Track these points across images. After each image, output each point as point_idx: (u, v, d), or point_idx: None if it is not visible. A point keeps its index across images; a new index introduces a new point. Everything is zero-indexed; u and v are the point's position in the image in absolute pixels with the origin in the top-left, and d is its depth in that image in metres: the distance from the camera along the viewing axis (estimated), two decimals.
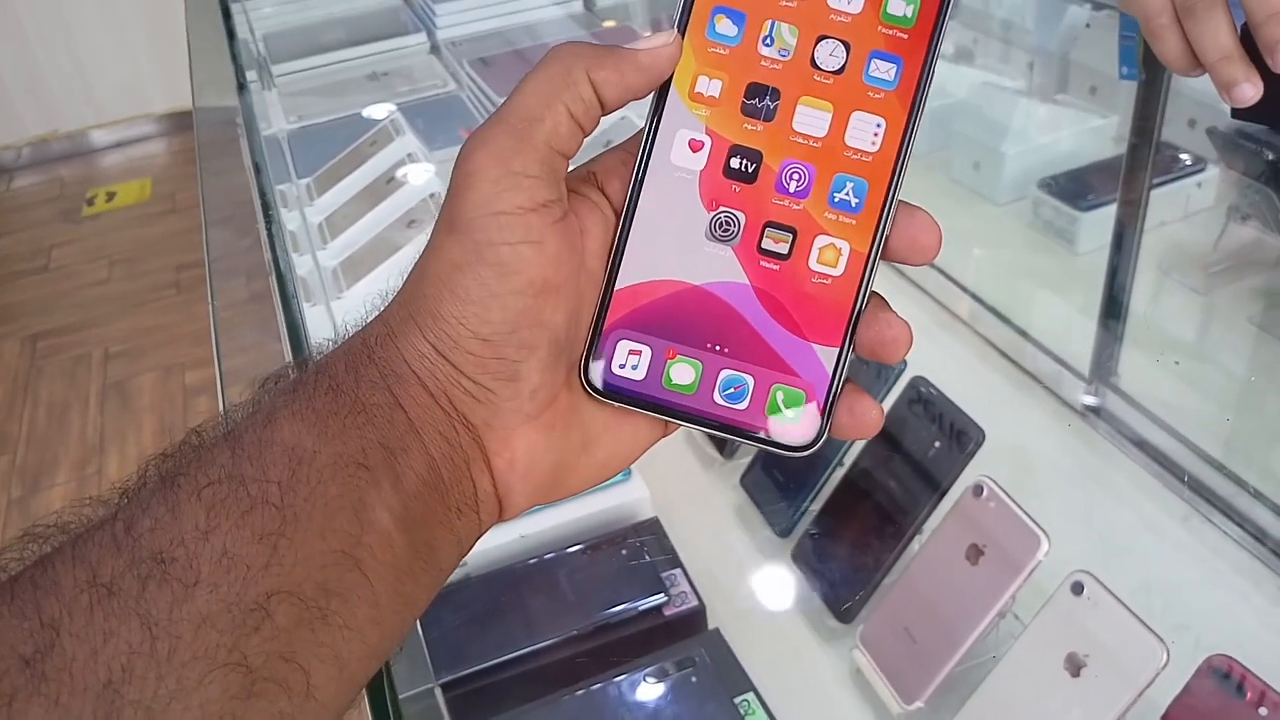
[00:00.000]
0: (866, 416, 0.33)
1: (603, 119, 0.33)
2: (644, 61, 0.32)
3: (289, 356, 0.90)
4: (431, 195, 1.14)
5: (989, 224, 1.18)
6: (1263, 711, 0.50)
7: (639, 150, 0.33)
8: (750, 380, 0.33)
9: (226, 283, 1.11)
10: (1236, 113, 0.57)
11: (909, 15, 0.32)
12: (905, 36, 0.32)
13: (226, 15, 1.69)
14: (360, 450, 0.29)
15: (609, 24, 1.81)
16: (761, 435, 0.33)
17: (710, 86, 0.33)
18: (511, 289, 0.30)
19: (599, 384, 0.33)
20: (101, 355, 2.72)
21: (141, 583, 0.25)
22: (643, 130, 0.33)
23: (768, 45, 0.32)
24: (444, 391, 0.31)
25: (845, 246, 0.32)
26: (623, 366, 0.33)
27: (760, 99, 0.33)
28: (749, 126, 0.33)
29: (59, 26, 3.52)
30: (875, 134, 0.32)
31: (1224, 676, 0.52)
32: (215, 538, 0.26)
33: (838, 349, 0.32)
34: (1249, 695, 0.51)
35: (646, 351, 0.33)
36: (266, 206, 1.13)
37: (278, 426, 0.29)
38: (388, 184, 1.23)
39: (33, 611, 0.25)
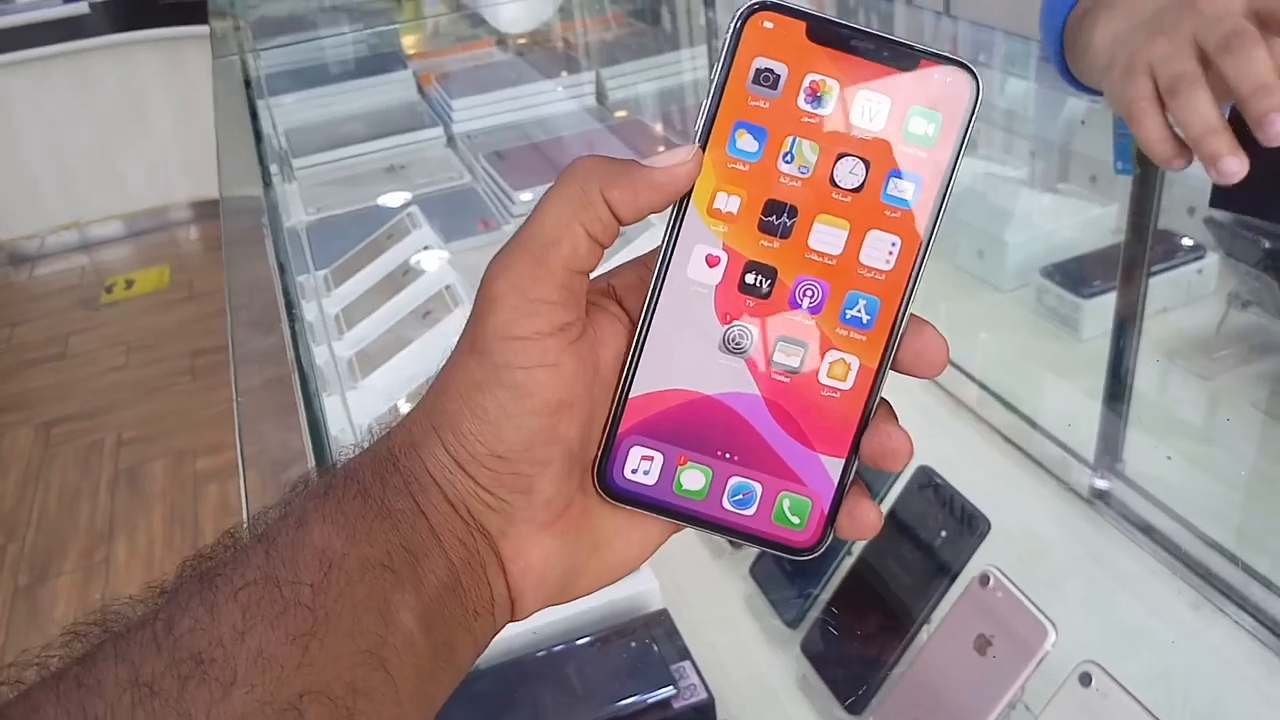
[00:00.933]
0: (866, 520, 0.34)
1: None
2: (659, 180, 0.32)
3: (309, 448, 0.91)
4: (447, 287, 1.17)
5: (993, 311, 1.19)
6: None
7: (656, 262, 0.34)
8: (758, 488, 0.34)
9: (245, 371, 1.13)
10: (1215, 200, 0.57)
11: (930, 135, 0.32)
12: (925, 155, 0.32)
13: (254, 115, 1.74)
14: (386, 553, 0.31)
15: (621, 115, 1.86)
16: (767, 540, 0.34)
17: (729, 203, 0.33)
18: (526, 410, 0.32)
19: (612, 489, 0.34)
20: (114, 441, 2.74)
21: (181, 683, 0.26)
22: (661, 243, 0.34)
23: (788, 162, 0.33)
24: (463, 501, 0.32)
25: (855, 362, 0.33)
26: (635, 472, 0.34)
27: (778, 216, 0.33)
28: (765, 243, 0.33)
29: (88, 118, 3.63)
30: (890, 253, 0.33)
31: None
32: (251, 638, 0.28)
33: (843, 460, 0.34)
34: None
35: (658, 458, 0.34)
36: (290, 305, 1.16)
37: (309, 529, 0.30)
38: (404, 275, 1.25)
39: (78, 710, 0.26)
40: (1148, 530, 0.83)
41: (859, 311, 0.33)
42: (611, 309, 0.35)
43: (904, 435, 0.34)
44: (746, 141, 0.33)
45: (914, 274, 0.33)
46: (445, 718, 0.68)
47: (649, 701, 0.68)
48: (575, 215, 0.32)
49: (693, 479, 0.34)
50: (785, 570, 0.80)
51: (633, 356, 0.34)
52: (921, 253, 0.33)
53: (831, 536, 0.34)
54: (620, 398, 0.34)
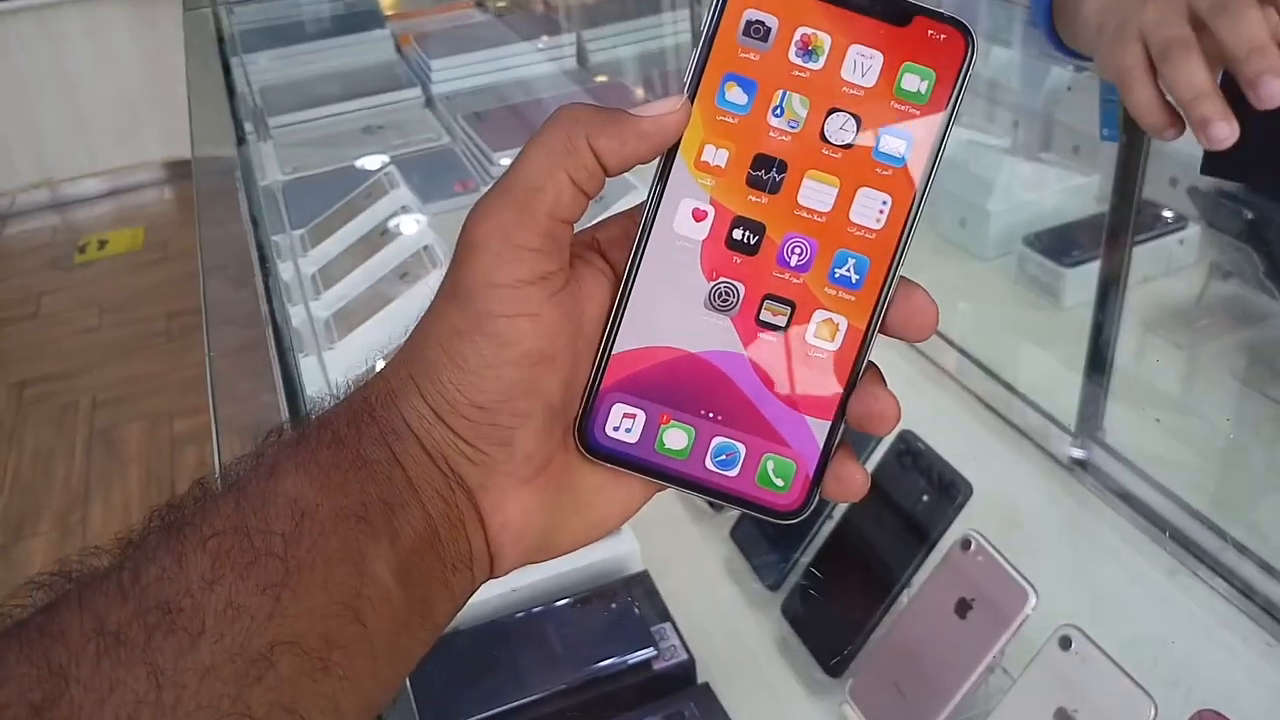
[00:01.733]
0: (852, 482, 0.33)
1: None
2: (647, 129, 0.32)
3: (283, 407, 0.90)
4: (425, 248, 1.15)
5: (975, 279, 1.19)
6: None
7: (641, 216, 0.33)
8: (742, 448, 0.33)
9: (221, 333, 1.12)
10: (1206, 166, 0.57)
11: (923, 92, 0.31)
12: (917, 113, 0.32)
13: (226, 71, 1.71)
14: (361, 504, 0.30)
15: (601, 79, 1.84)
16: (750, 503, 0.33)
17: (717, 156, 0.32)
18: (507, 360, 0.31)
19: (593, 446, 0.33)
20: (89, 403, 2.71)
21: (148, 632, 0.26)
22: (646, 196, 0.33)
23: (777, 116, 0.32)
24: (441, 453, 0.32)
25: (843, 322, 0.32)
26: (616, 429, 0.33)
27: (766, 171, 0.32)
28: (753, 198, 0.32)
29: (57, 75, 3.56)
30: (881, 211, 0.32)
31: None
32: (220, 588, 0.27)
33: (829, 422, 0.33)
34: None
35: (640, 416, 0.33)
36: (264, 259, 1.14)
37: (281, 478, 0.29)
38: (381, 236, 1.24)
39: (41, 659, 0.25)
40: (1127, 498, 0.83)
41: (848, 271, 0.32)
42: (596, 263, 0.34)
43: (892, 398, 0.33)
44: (736, 94, 0.32)
45: (905, 234, 0.32)
46: (425, 678, 0.68)
47: (629, 662, 0.67)
48: (560, 162, 0.31)
49: (675, 438, 0.33)
50: (766, 534, 0.80)
51: (616, 312, 0.33)
52: (913, 212, 0.32)
53: (816, 500, 0.33)
54: (603, 354, 0.33)
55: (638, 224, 0.33)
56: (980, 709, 0.63)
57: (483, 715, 0.65)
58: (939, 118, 0.32)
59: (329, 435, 0.31)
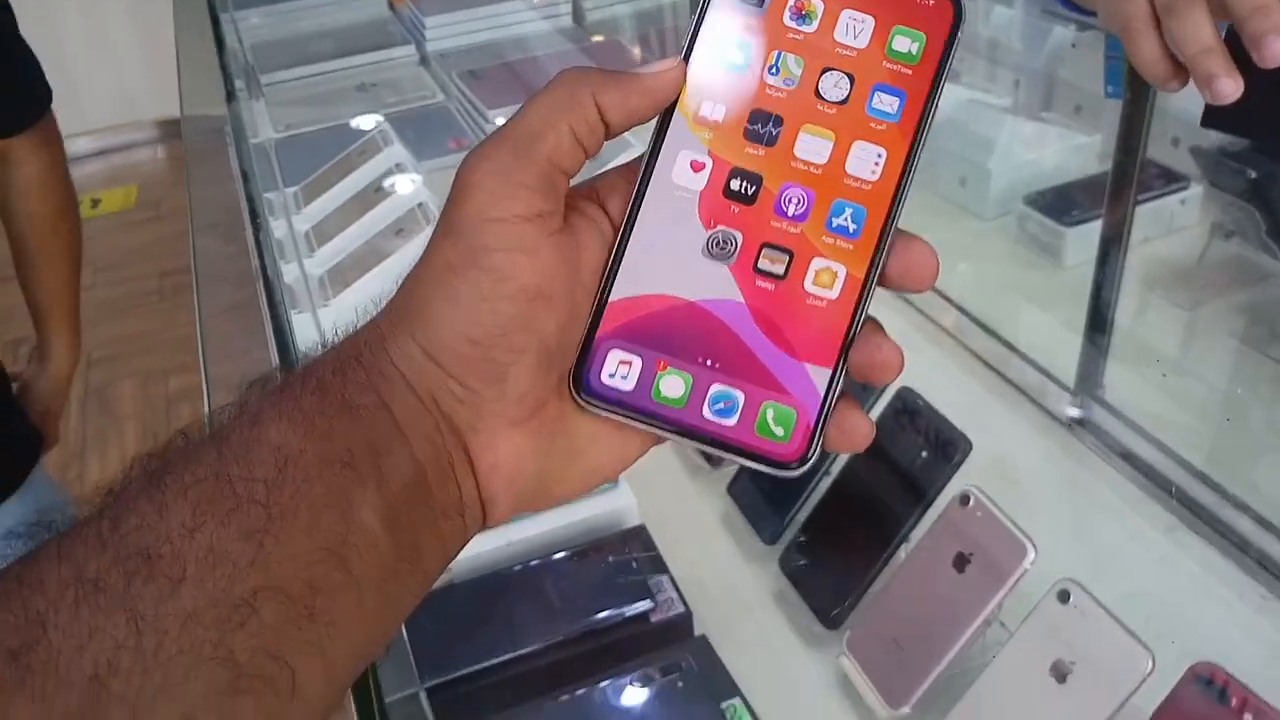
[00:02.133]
0: (857, 432, 0.33)
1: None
2: (649, 85, 0.32)
3: (276, 363, 0.89)
4: (420, 205, 1.14)
5: (975, 239, 1.18)
6: (1247, 718, 0.50)
7: (640, 168, 0.33)
8: (740, 396, 0.32)
9: (213, 290, 1.11)
10: (1207, 119, 0.56)
11: (914, 52, 0.32)
12: (909, 72, 0.32)
13: (215, 24, 1.69)
14: (346, 450, 0.29)
15: (597, 39, 1.82)
16: (749, 452, 0.33)
17: (714, 110, 0.33)
18: (503, 294, 0.31)
19: (588, 392, 0.33)
20: (84, 361, 2.69)
21: (128, 579, 0.25)
22: (646, 149, 0.33)
23: (773, 74, 0.33)
24: (430, 394, 0.31)
25: (842, 270, 0.32)
26: (612, 375, 0.33)
27: (763, 125, 0.33)
28: (751, 150, 0.33)
29: (46, 34, 3.51)
30: (876, 164, 0.33)
31: (1209, 684, 0.52)
32: (201, 535, 0.26)
33: (830, 370, 0.32)
34: (1233, 702, 0.51)
35: (637, 362, 0.33)
36: (254, 214, 1.13)
37: (264, 426, 0.29)
38: (375, 193, 1.22)
39: (19, 606, 0.25)
40: (1126, 456, 0.83)
41: (845, 220, 0.33)
42: (594, 215, 0.34)
43: (894, 347, 0.33)
44: (733, 55, 0.33)
45: (901, 186, 0.33)
46: (422, 630, 0.68)
47: (626, 615, 0.67)
48: (562, 114, 0.31)
49: (672, 385, 0.33)
50: (763, 489, 0.80)
51: (614, 260, 0.33)
52: (908, 165, 0.33)
53: (818, 451, 0.32)
54: (600, 300, 0.33)
55: (636, 175, 0.33)
56: (977, 662, 0.63)
57: (480, 667, 0.65)
58: (929, 77, 0.33)
59: (313, 382, 0.30)
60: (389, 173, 1.25)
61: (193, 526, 0.26)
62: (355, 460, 0.29)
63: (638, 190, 0.33)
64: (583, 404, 0.33)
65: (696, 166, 0.33)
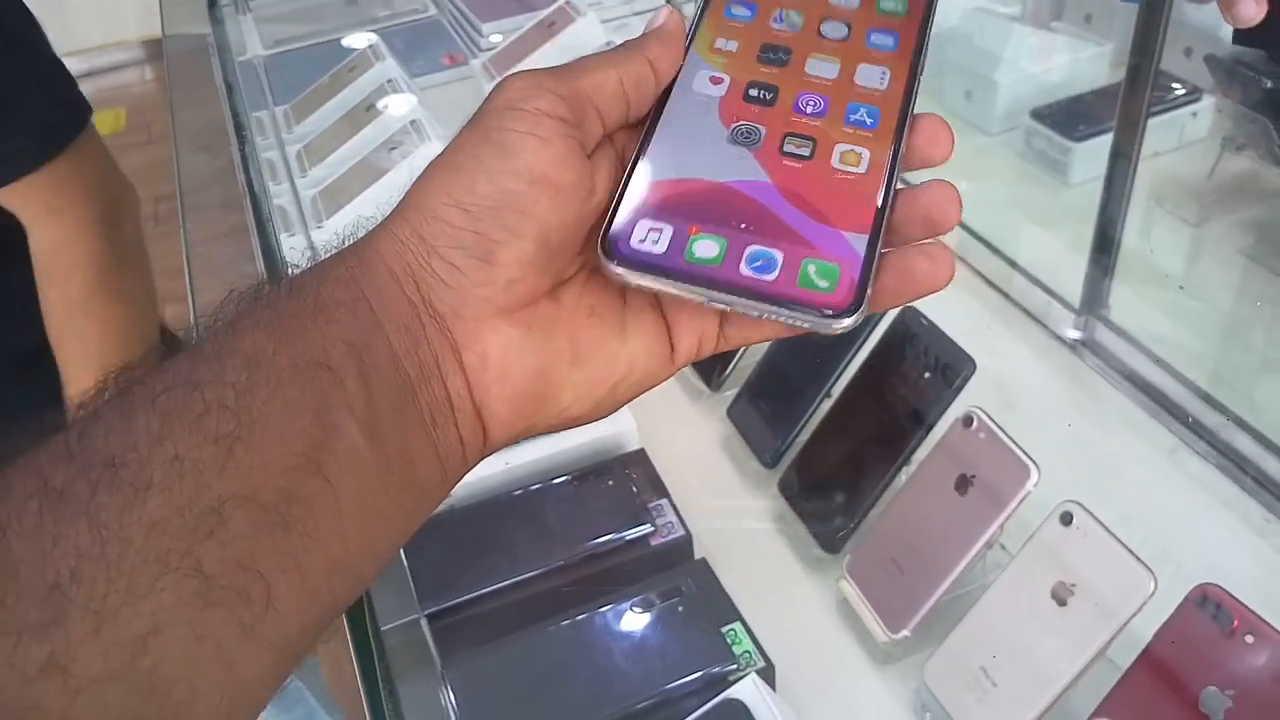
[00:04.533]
0: (915, 272, 0.31)
1: None
2: (670, 28, 0.34)
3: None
4: (412, 122, 1.11)
5: (980, 154, 1.16)
6: (1249, 639, 0.50)
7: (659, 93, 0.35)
8: (779, 254, 0.31)
9: (202, 216, 1.09)
10: (1238, 37, 0.54)
11: (899, 9, 0.36)
12: (900, 20, 0.36)
13: None
14: (321, 350, 0.28)
15: None
16: (796, 303, 0.30)
17: (728, 44, 0.36)
18: (506, 168, 0.30)
19: (618, 256, 0.31)
20: None
21: (92, 488, 0.24)
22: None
23: (778, 23, 0.36)
24: (412, 276, 0.30)
25: (866, 153, 0.33)
26: (643, 241, 0.31)
27: (774, 54, 0.35)
28: (765, 70, 0.35)
29: None
30: (882, 78, 0.35)
31: (1212, 605, 0.52)
32: (168, 442, 0.25)
33: (867, 235, 0.31)
34: (1236, 623, 0.51)
35: (667, 229, 0.31)
36: (240, 127, 1.10)
37: (239, 334, 0.28)
38: (367, 111, 1.19)
39: None
40: (1130, 376, 0.82)
41: (862, 116, 0.34)
42: (610, 152, 0.34)
43: (946, 183, 0.32)
44: (740, 9, 0.37)
45: (910, 89, 0.34)
46: (421, 555, 0.67)
47: (626, 538, 0.67)
48: (614, 62, 0.32)
49: (706, 247, 0.31)
50: (763, 412, 0.79)
51: (638, 147, 0.33)
52: (915, 71, 0.35)
53: (867, 303, 0.30)
54: (625, 180, 0.32)
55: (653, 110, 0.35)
56: (977, 585, 0.63)
57: (479, 592, 0.65)
58: (917, 26, 0.36)
59: (289, 285, 0.29)
60: (381, 90, 1.22)
61: (160, 434, 0.25)
62: (331, 360, 0.28)
63: (659, 99, 0.34)
64: (613, 271, 0.31)
65: (715, 80, 0.35)
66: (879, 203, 0.32)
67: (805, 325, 0.30)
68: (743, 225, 0.31)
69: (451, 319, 0.30)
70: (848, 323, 0.30)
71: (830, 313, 0.30)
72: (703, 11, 0.36)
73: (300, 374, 0.27)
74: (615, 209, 0.32)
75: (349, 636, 0.55)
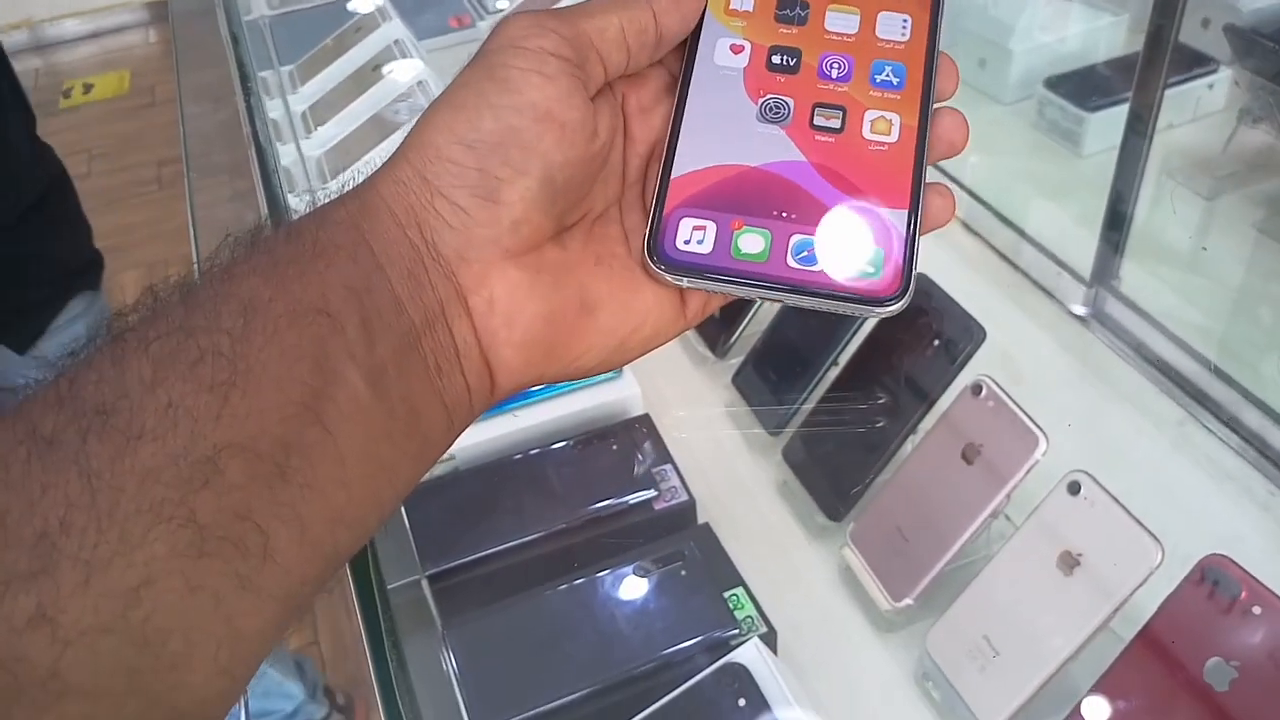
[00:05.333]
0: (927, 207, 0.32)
1: None
2: None
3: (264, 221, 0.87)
4: (420, 83, 1.10)
5: (993, 124, 1.15)
6: (1256, 610, 0.50)
7: (682, 60, 0.34)
8: (826, 245, 0.31)
9: (206, 175, 1.08)
10: None
11: None
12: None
13: None
14: (320, 295, 0.27)
15: None
16: (845, 294, 0.30)
17: (744, 4, 0.35)
18: (509, 104, 0.29)
19: (664, 260, 0.31)
20: None
21: (82, 435, 0.24)
22: (683, 47, 0.34)
23: None
24: (415, 218, 0.29)
25: (895, 118, 0.32)
26: (688, 242, 0.31)
27: (791, 9, 0.35)
28: (784, 30, 0.34)
29: None
30: (904, 27, 0.34)
31: (1219, 575, 0.51)
32: (161, 390, 0.24)
33: (906, 210, 0.31)
34: (1243, 594, 0.50)
35: (711, 226, 0.32)
36: (245, 78, 1.09)
37: (235, 279, 0.27)
38: (374, 72, 1.18)
39: None
40: (1139, 348, 0.81)
41: (888, 76, 0.33)
42: (611, 100, 0.33)
43: (955, 113, 0.33)
44: None
45: (932, 41, 0.34)
46: (425, 517, 0.67)
47: (630, 503, 0.67)
48: (617, 8, 0.31)
49: (751, 242, 0.31)
50: (769, 379, 0.79)
51: (670, 138, 0.33)
52: (935, 24, 0.34)
53: (913, 285, 0.30)
54: (663, 176, 0.32)
55: (667, 71, 0.35)
56: (981, 554, 0.63)
57: (481, 554, 0.64)
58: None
59: (288, 230, 0.28)
60: (387, 51, 1.21)
61: (152, 382, 0.25)
62: (330, 306, 0.27)
63: (683, 77, 0.34)
64: (662, 275, 0.31)
65: (736, 49, 0.34)
66: (914, 174, 0.32)
67: (854, 313, 0.31)
68: (785, 214, 0.31)
69: (456, 262, 0.29)
70: (896, 307, 0.30)
71: (879, 300, 0.30)
72: None
73: (298, 320, 0.26)
74: (657, 209, 0.32)
75: (355, 597, 0.55)
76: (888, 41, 0.34)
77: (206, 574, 0.24)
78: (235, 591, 0.25)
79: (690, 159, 0.32)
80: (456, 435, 0.31)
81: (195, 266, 0.91)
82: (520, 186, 0.29)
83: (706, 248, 0.31)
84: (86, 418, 0.24)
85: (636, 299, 0.32)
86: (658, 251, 0.31)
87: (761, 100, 0.33)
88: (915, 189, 0.31)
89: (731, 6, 0.35)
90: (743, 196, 0.32)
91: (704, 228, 0.31)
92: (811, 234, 0.31)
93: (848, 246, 0.31)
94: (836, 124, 0.32)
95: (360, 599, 0.57)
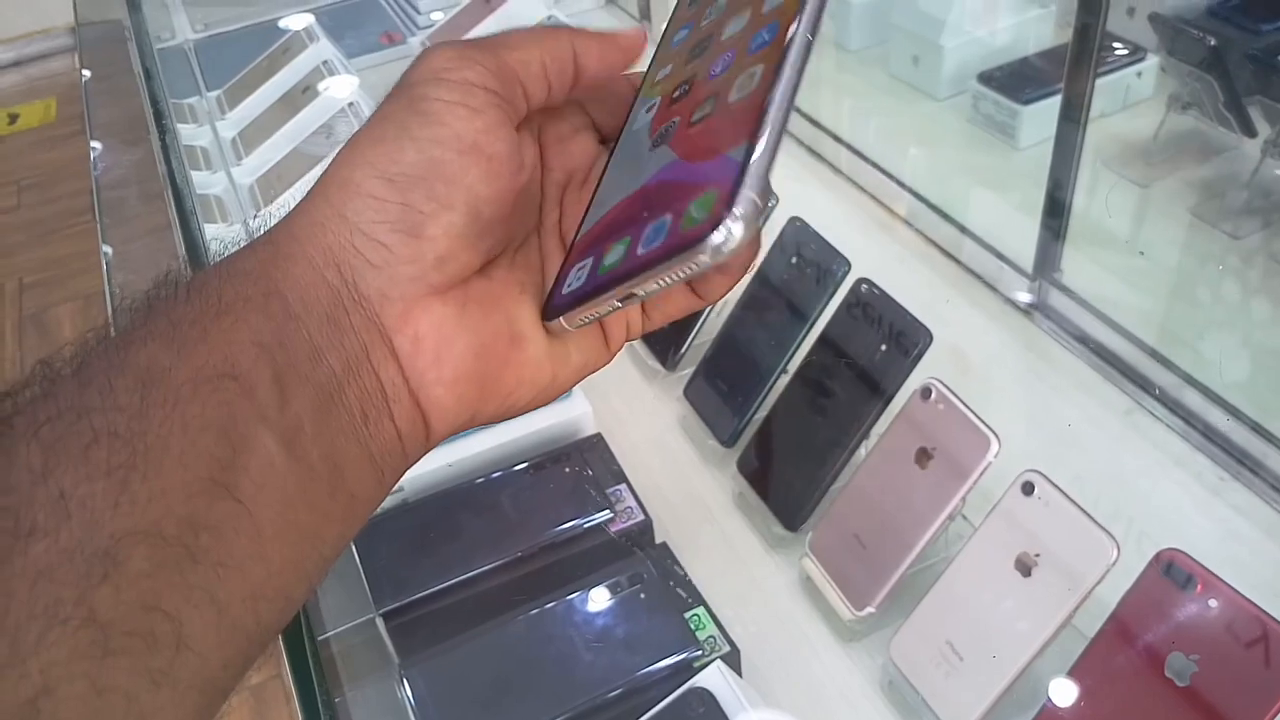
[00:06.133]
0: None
1: None
2: (623, 43, 0.33)
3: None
4: (350, 105, 1.08)
5: (929, 120, 1.15)
6: (1211, 603, 0.50)
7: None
8: (668, 216, 0.29)
9: (126, 211, 1.05)
10: None
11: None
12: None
13: None
14: (225, 357, 0.25)
15: None
16: (679, 250, 0.27)
17: (664, 70, 0.35)
18: (432, 136, 0.28)
19: (554, 311, 0.31)
20: (15, 286, 2.61)
21: None
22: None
23: (706, 19, 0.35)
24: (333, 259, 0.27)
25: (758, 69, 0.29)
26: (570, 285, 0.31)
27: (700, 47, 0.34)
28: (689, 68, 0.34)
29: None
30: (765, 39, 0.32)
31: (1174, 570, 0.51)
32: (52, 480, 0.23)
33: (744, 143, 0.28)
34: (1198, 588, 0.50)
35: (590, 260, 0.31)
36: (160, 116, 1.06)
37: (132, 348, 0.25)
38: (304, 93, 1.16)
39: None
40: (1084, 339, 0.82)
41: (762, 38, 0.31)
42: (532, 132, 0.33)
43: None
44: (680, 33, 0.36)
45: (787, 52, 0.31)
46: (375, 553, 0.66)
47: (585, 526, 0.66)
48: (538, 41, 0.31)
49: (613, 253, 0.30)
50: (720, 390, 0.78)
51: (585, 212, 0.32)
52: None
53: (746, 207, 0.27)
54: (573, 241, 0.32)
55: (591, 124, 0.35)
56: (941, 557, 0.63)
57: (436, 587, 0.63)
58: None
59: (189, 288, 0.26)
60: (317, 71, 1.19)
61: (43, 471, 0.23)
62: (237, 367, 0.25)
63: (606, 158, 0.34)
64: (553, 325, 0.31)
65: (649, 109, 0.34)
66: (760, 110, 0.28)
67: (696, 266, 0.27)
68: (644, 213, 0.29)
69: (379, 301, 0.28)
70: (721, 237, 0.26)
71: (706, 237, 0.27)
72: (653, 59, 0.36)
73: (201, 388, 0.25)
74: (559, 275, 0.32)
75: (284, 651, 0.53)
76: (771, 8, 0.31)
77: (114, 673, 0.22)
78: (148, 688, 0.23)
79: (591, 217, 0.32)
80: (388, 489, 0.29)
81: (108, 304, 0.88)
82: (445, 221, 0.28)
83: (582, 279, 0.30)
84: None
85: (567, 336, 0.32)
86: (549, 306, 0.31)
87: (658, 131, 0.32)
88: (759, 121, 0.28)
89: (656, 78, 0.35)
90: (621, 220, 0.31)
91: (584, 265, 0.31)
92: (656, 216, 0.29)
93: (681, 207, 0.28)
94: (710, 108, 0.30)
95: (290, 655, 0.55)
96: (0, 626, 0.21)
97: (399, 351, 0.28)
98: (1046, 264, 0.88)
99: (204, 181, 1.09)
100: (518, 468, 0.70)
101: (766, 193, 0.27)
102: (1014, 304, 0.88)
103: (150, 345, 0.25)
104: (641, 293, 0.29)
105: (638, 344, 0.86)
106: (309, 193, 0.29)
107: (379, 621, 0.62)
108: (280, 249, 0.28)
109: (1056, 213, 0.88)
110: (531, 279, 0.32)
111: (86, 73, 1.27)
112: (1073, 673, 0.53)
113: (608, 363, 0.33)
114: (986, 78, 1.09)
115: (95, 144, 1.12)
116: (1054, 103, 0.87)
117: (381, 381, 0.28)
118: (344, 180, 0.28)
